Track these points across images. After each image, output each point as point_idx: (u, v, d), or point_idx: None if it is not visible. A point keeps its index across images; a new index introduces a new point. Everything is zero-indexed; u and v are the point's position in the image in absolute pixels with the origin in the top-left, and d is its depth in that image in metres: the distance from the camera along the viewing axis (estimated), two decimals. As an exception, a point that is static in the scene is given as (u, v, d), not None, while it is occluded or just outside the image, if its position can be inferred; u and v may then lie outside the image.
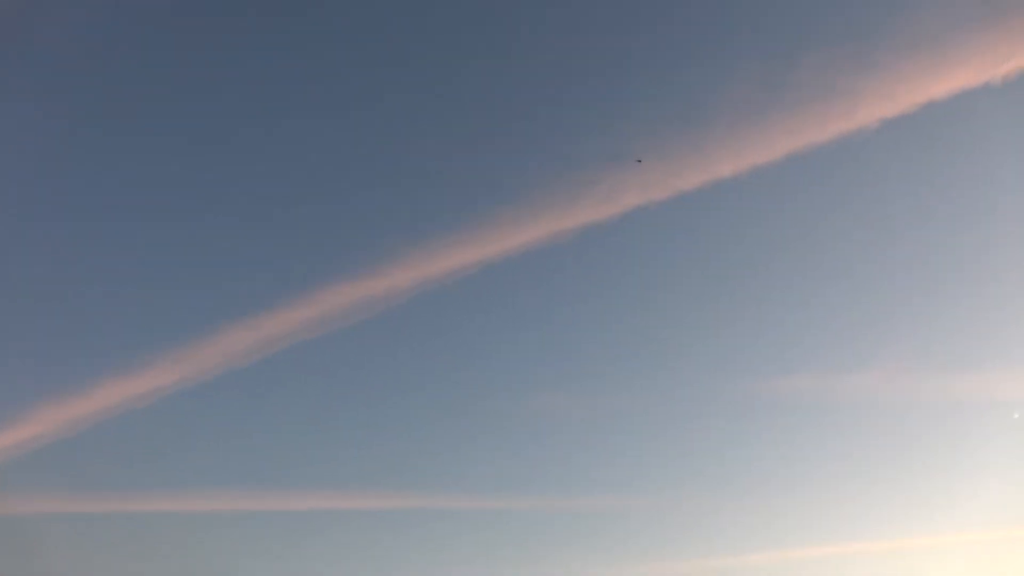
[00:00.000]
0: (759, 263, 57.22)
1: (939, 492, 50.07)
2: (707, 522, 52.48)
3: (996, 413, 51.14)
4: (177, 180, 56.49)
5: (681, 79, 53.28)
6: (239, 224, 57.10)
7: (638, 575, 50.22)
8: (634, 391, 56.30)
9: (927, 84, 45.68)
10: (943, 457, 51.57)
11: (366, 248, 55.04)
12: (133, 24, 53.95)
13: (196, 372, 50.50)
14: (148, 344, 52.64)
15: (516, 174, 54.68)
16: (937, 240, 54.50)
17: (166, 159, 55.74)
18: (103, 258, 55.76)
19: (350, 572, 50.16)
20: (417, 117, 56.98)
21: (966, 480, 49.75)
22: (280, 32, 55.71)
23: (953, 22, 45.35)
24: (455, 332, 58.00)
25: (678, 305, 58.19)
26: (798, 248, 56.58)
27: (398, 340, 57.25)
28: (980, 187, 54.14)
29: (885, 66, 46.56)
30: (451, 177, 56.70)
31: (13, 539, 44.64)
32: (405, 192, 57.15)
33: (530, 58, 55.58)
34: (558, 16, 54.92)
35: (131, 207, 56.23)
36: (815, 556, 49.40)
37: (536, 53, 55.50)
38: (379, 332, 56.26)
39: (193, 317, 54.52)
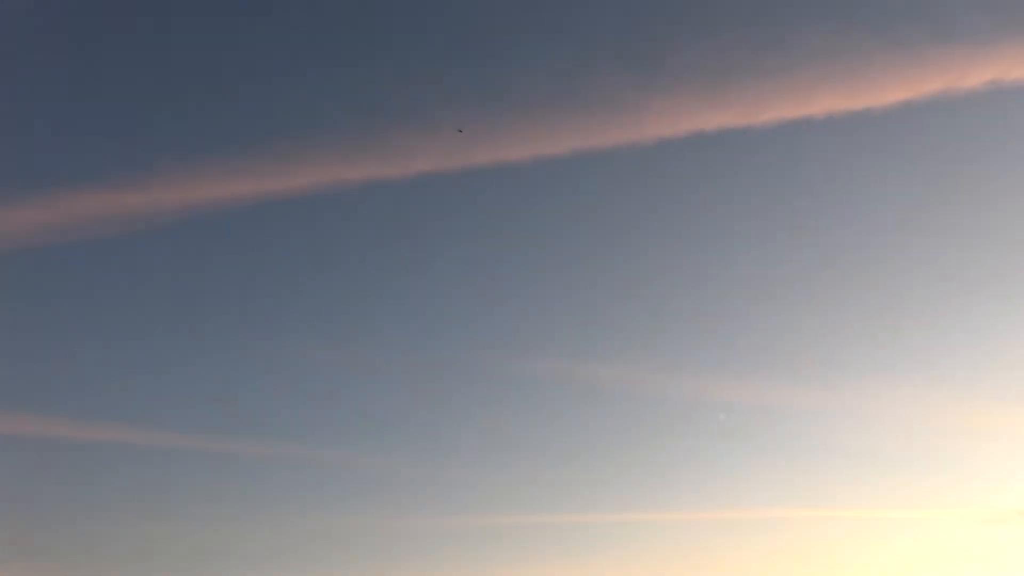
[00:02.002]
0: (530, 247, 60.40)
1: (654, 476, 56.55)
2: (427, 483, 54.81)
3: (705, 413, 58.72)
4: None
5: (492, 62, 54.93)
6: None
7: (358, 527, 51.37)
8: (387, 350, 57.01)
9: (699, 115, 51.01)
10: (659, 446, 58.10)
11: (127, 158, 50.58)
12: None
13: None
14: None
15: (311, 115, 53.19)
16: (676, 253, 60.86)
17: None
18: None
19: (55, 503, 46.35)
20: (215, 37, 53.60)
21: (677, 468, 56.75)
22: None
23: (735, 67, 51.15)
24: (210, 263, 55.15)
25: (447, 274, 59.76)
26: (568, 239, 60.47)
27: (143, 262, 53.33)
28: (720, 212, 61.57)
29: (668, 92, 51.23)
30: (245, 105, 53.84)
31: None
32: (185, 109, 53.43)
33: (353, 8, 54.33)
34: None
35: None
36: (535, 523, 53.52)
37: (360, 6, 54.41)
38: (124, 250, 52.06)
39: None
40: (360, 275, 58.76)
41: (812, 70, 49.77)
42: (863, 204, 59.88)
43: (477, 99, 51.88)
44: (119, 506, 47.96)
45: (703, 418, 58.46)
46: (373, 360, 55.33)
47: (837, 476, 57.99)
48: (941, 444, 58.89)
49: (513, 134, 50.25)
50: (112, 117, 53.20)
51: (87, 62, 52.88)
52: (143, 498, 48.61)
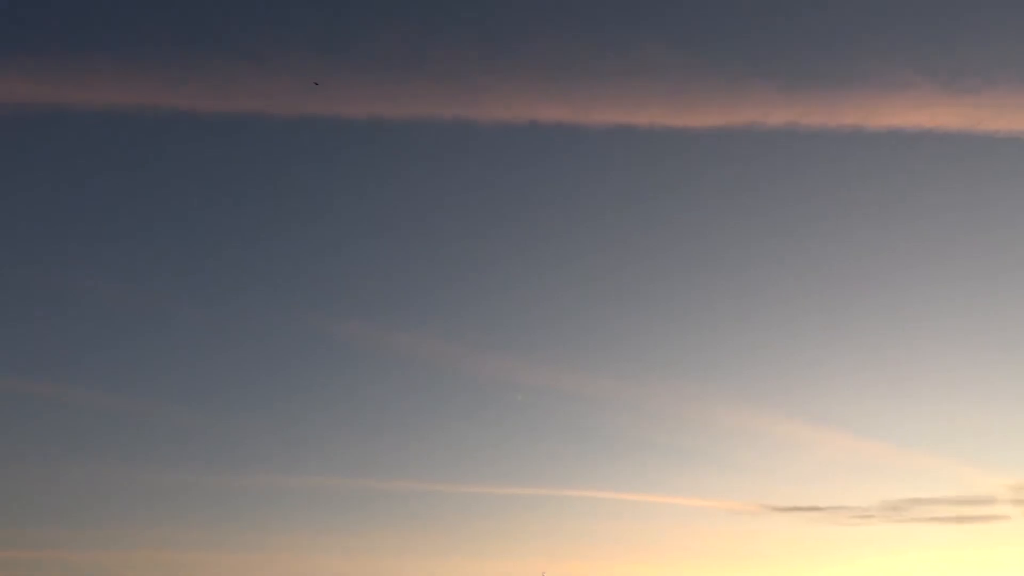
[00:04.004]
0: (354, 206, 60.21)
1: (448, 449, 58.06)
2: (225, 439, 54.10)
3: (505, 392, 61.28)
4: None
5: (344, 13, 54.83)
6: None
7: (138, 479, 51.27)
8: (186, 295, 56.79)
9: (536, 106, 52.19)
10: (457, 419, 59.53)
11: None
12: None
13: None
14: None
15: (137, 29, 51.75)
16: (489, 233, 62.26)
17: None
18: None
19: None
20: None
21: (472, 442, 58.64)
22: None
23: (575, 66, 52.56)
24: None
25: (260, 220, 58.82)
26: (394, 204, 60.81)
27: None
28: (537, 198, 62.56)
29: (511, 78, 52.10)
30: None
31: None
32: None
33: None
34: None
35: None
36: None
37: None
38: None
39: None
40: (165, 211, 56.37)
41: (644, 82, 51.61)
42: (666, 212, 63.58)
43: (322, 48, 51.57)
44: None
45: (503, 397, 60.65)
46: (169, 306, 55.09)
47: (616, 461, 62.15)
48: (709, 440, 63.77)
49: (353, 90, 50.29)
50: None
51: None
52: None
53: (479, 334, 60.91)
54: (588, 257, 65.00)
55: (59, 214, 53.62)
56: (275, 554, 50.15)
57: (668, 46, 52.83)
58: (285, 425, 56.14)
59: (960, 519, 65.90)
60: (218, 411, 54.71)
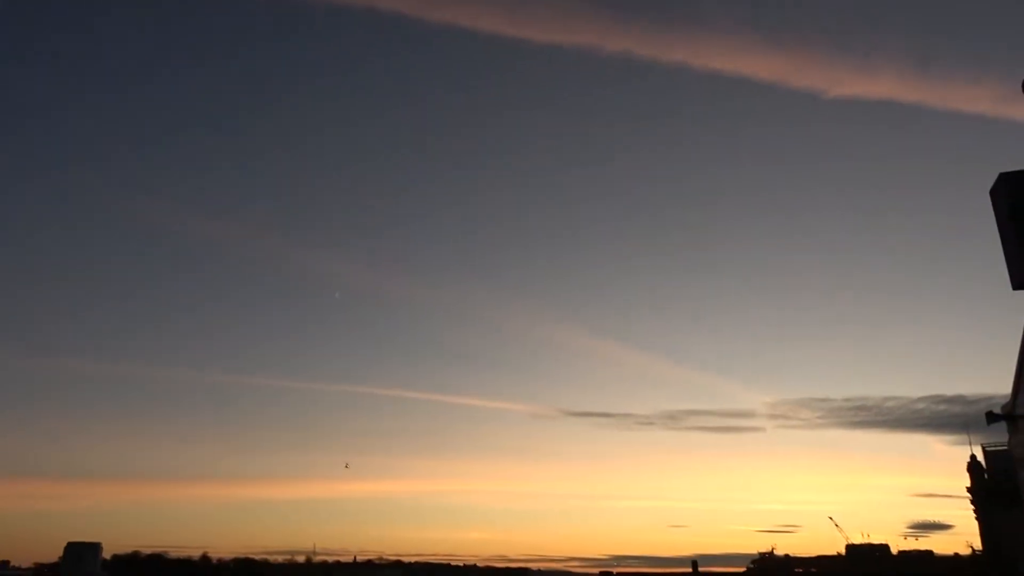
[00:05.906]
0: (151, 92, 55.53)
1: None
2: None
3: (323, 290, 59.24)
4: None
5: None
6: None
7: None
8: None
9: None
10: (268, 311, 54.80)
11: None
12: None
13: None
14: None
15: None
16: (304, 127, 56.47)
17: None
18: None
19: None
20: None
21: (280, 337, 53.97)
22: None
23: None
24: None
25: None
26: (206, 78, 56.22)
27: None
28: (373, 95, 60.67)
29: None
30: None
31: None
32: None
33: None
34: None
35: None
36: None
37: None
38: None
39: None
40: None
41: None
42: (493, 122, 59.21)
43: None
44: None
45: (319, 293, 58.26)
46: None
47: (426, 363, 58.63)
48: (515, 349, 58.91)
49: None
50: None
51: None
52: None
53: (297, 227, 58.43)
54: (407, 161, 61.44)
55: None
56: (64, 437, 47.83)
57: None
58: (84, 311, 54.94)
59: (725, 429, 73.32)
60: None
